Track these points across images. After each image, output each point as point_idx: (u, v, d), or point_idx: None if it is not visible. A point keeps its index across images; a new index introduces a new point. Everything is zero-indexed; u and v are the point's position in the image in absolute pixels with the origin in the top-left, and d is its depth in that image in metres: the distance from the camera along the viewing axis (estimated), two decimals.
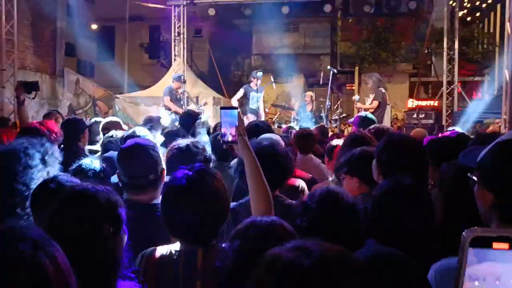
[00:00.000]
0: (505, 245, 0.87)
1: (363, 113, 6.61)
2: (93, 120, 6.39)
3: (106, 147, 4.36)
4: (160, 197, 2.63)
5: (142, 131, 4.09)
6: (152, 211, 2.46)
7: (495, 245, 0.87)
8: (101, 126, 5.57)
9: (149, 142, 2.85)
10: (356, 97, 11.00)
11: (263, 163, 2.63)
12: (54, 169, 2.49)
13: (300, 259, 0.99)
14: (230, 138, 2.39)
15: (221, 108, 2.46)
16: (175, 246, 2.06)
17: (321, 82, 12.97)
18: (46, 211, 1.71)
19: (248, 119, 10.31)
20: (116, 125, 5.54)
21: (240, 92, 11.00)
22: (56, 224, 1.64)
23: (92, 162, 2.86)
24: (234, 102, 10.98)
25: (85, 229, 1.64)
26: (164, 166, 2.79)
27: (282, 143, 3.88)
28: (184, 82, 11.91)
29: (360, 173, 2.91)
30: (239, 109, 2.43)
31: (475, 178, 1.64)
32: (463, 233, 0.90)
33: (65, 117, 6.82)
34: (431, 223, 2.05)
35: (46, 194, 2.08)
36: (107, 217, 1.69)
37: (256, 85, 10.84)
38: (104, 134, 5.13)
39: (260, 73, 10.97)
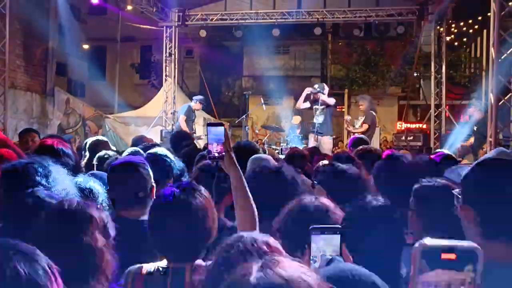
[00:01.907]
0: (452, 255, 0.96)
1: (358, 135, 6.89)
2: (85, 141, 6.21)
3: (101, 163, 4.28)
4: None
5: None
6: (140, 227, 2.48)
7: (444, 255, 0.96)
8: (87, 145, 5.38)
9: (140, 160, 2.91)
10: (348, 117, 11.15)
11: (267, 188, 2.64)
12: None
13: (245, 278, 1.00)
14: (216, 155, 2.37)
15: (208, 124, 2.46)
16: (162, 263, 2.08)
17: (309, 105, 13.06)
18: (33, 224, 1.72)
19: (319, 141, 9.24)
20: (104, 145, 5.40)
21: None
22: (46, 236, 1.66)
23: (87, 181, 2.85)
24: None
25: (80, 238, 1.67)
26: (153, 183, 2.83)
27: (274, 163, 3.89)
28: (202, 103, 11.38)
29: None
30: (225, 126, 2.44)
31: (458, 195, 1.69)
32: (415, 245, 0.98)
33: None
34: (396, 244, 2.06)
35: (25, 208, 2.06)
36: (99, 229, 1.72)
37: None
38: (90, 153, 4.99)
39: (319, 85, 9.92)
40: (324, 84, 10.18)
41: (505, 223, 1.58)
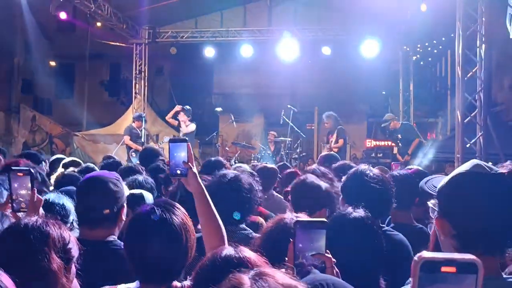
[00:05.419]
0: (453, 269, 0.93)
1: (326, 153, 7.03)
2: (54, 157, 6.24)
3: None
4: (117, 233, 2.55)
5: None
6: (105, 248, 2.34)
7: (444, 269, 0.93)
8: (61, 164, 5.37)
9: (113, 175, 2.70)
10: (325, 144, 11.36)
11: (226, 196, 2.60)
12: None
13: None
14: (178, 171, 2.26)
15: (170, 140, 2.33)
16: (133, 285, 1.96)
17: (281, 122, 13.14)
18: None
19: None
20: (77, 166, 5.37)
21: None
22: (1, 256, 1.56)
23: (60, 198, 2.74)
24: None
25: (32, 261, 1.56)
26: (125, 203, 2.63)
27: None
28: (145, 121, 11.98)
29: None
30: (188, 142, 2.31)
31: (434, 207, 1.69)
32: (414, 257, 0.95)
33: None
34: (377, 255, 2.05)
35: None
36: (56, 250, 1.61)
37: None
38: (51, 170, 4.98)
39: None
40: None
41: (480, 236, 1.58)
